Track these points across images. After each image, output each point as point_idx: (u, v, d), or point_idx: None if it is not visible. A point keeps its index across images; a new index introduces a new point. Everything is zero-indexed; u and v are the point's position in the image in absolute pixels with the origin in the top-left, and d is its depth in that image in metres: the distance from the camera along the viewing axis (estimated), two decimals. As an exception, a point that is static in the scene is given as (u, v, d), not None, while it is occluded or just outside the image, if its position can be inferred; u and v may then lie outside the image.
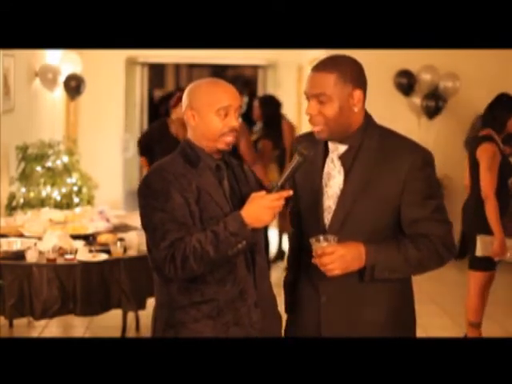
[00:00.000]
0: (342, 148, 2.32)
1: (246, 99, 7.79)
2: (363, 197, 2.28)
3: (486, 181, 4.29)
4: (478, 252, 4.35)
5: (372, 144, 2.30)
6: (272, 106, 6.66)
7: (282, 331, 2.52)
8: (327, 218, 2.33)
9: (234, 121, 2.33)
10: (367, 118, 2.34)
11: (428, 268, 2.33)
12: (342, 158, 2.32)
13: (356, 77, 2.26)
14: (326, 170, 2.35)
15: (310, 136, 2.40)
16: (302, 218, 2.44)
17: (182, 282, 2.32)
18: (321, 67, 2.27)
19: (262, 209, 2.22)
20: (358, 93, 2.26)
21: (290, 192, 2.24)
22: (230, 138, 2.33)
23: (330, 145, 2.34)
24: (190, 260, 2.22)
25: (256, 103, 6.92)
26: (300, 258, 2.49)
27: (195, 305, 2.32)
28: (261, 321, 2.37)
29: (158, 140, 6.65)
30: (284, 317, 2.54)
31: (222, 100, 2.32)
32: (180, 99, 6.65)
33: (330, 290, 2.34)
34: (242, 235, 2.22)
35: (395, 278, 2.32)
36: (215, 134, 2.32)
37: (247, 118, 7.65)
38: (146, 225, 2.32)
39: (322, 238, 2.20)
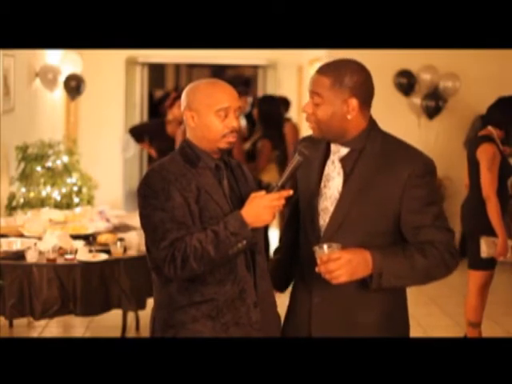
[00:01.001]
0: (344, 150, 2.32)
1: (250, 99, 7.74)
2: (361, 200, 2.26)
3: (487, 181, 4.29)
4: (483, 253, 4.34)
5: (374, 149, 2.29)
6: (269, 105, 6.61)
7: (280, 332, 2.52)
8: (324, 218, 2.32)
9: (234, 121, 2.33)
10: (371, 122, 2.33)
11: (434, 276, 2.28)
12: (343, 160, 2.32)
13: (354, 85, 2.24)
14: (325, 171, 2.34)
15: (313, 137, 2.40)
16: (299, 218, 2.45)
17: (181, 282, 2.31)
18: (321, 70, 2.28)
19: (262, 208, 2.22)
20: (353, 101, 2.24)
21: (290, 192, 2.24)
22: (231, 138, 2.34)
23: (332, 146, 2.34)
24: (191, 260, 2.22)
25: (248, 99, 6.92)
26: (295, 256, 2.49)
27: (195, 305, 2.32)
28: (260, 321, 2.37)
29: (152, 138, 6.71)
30: (282, 317, 2.54)
31: (221, 101, 2.31)
32: (175, 100, 6.73)
33: (322, 292, 2.33)
34: (242, 235, 2.22)
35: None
36: (216, 135, 2.32)
37: (251, 118, 7.64)
38: (146, 224, 2.32)
39: (325, 245, 2.16)
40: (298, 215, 2.47)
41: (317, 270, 2.17)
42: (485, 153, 4.31)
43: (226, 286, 2.32)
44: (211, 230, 2.24)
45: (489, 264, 4.43)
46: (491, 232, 4.30)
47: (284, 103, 7.21)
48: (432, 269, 2.25)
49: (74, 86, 7.08)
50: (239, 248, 2.24)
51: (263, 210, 2.22)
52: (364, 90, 2.27)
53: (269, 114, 6.48)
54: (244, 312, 2.34)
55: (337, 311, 2.33)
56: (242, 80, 13.10)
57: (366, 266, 2.17)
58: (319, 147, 2.37)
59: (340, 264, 2.13)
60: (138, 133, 6.88)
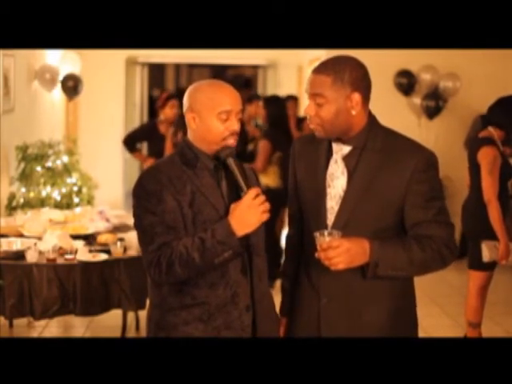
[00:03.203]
0: (346, 149, 2.32)
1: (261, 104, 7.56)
2: (366, 198, 2.28)
3: (488, 185, 4.28)
4: (485, 258, 4.33)
5: (376, 145, 2.30)
6: (276, 106, 6.54)
7: (279, 334, 2.51)
8: (329, 218, 2.33)
9: (235, 124, 2.32)
10: (371, 119, 2.33)
11: (430, 269, 2.32)
12: (346, 158, 2.32)
13: (355, 80, 2.24)
14: (329, 170, 2.35)
15: (312, 136, 2.40)
16: (303, 219, 2.44)
17: (174, 284, 2.31)
18: (319, 69, 2.27)
19: (245, 211, 2.22)
20: (356, 96, 2.25)
21: (258, 189, 2.26)
22: (231, 142, 2.32)
23: (334, 145, 2.34)
24: (176, 265, 2.22)
25: (260, 104, 6.83)
26: (299, 259, 2.49)
27: (186, 307, 2.31)
28: (251, 325, 2.36)
29: (148, 140, 6.69)
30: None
31: (223, 104, 2.30)
32: (167, 100, 6.72)
33: (330, 292, 2.34)
34: (228, 244, 2.21)
35: (397, 280, 2.31)
36: (216, 137, 2.31)
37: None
38: (138, 226, 2.34)
39: (326, 232, 2.20)
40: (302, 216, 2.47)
41: (316, 255, 2.20)
42: (486, 156, 4.30)
43: (217, 290, 2.31)
44: (198, 236, 2.24)
45: (489, 265, 4.43)
46: (492, 234, 4.30)
47: (292, 99, 7.17)
48: (428, 262, 2.29)
49: (72, 85, 7.07)
50: (225, 257, 2.24)
51: (247, 212, 2.22)
52: (364, 84, 2.28)
53: (274, 114, 6.41)
54: (236, 316, 2.33)
55: (346, 310, 2.34)
56: (242, 80, 13.09)
57: (363, 255, 2.21)
58: (320, 146, 2.37)
59: (339, 252, 2.17)
60: (130, 142, 6.77)
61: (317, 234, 2.21)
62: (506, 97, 4.49)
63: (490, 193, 4.27)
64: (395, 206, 2.28)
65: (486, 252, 4.32)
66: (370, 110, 2.34)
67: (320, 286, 2.36)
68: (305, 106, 2.35)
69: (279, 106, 6.49)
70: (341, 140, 2.32)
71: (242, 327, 2.34)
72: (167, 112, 6.47)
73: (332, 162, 2.35)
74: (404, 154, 2.28)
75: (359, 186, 2.29)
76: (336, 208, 2.32)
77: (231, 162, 2.31)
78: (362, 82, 2.26)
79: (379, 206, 2.28)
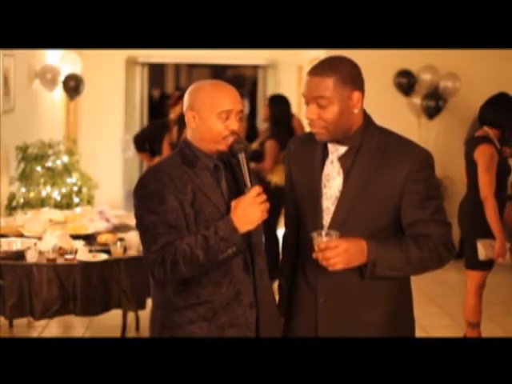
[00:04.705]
0: (342, 149, 2.32)
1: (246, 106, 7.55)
2: (362, 198, 2.28)
3: (485, 182, 4.28)
4: (481, 256, 4.33)
5: (371, 145, 2.30)
6: (282, 105, 6.52)
7: (281, 330, 2.52)
8: (325, 219, 2.33)
9: (235, 124, 2.32)
10: (366, 118, 2.34)
11: (428, 268, 2.32)
12: (342, 159, 2.32)
13: (354, 78, 2.26)
14: (325, 171, 2.35)
15: (307, 136, 2.41)
16: (299, 219, 2.45)
17: (178, 284, 2.32)
18: (318, 71, 2.26)
19: (246, 208, 2.23)
20: (356, 94, 2.26)
21: (261, 188, 2.27)
22: (230, 141, 2.33)
23: (330, 146, 2.34)
24: (180, 263, 2.23)
25: (265, 103, 6.83)
26: (296, 259, 2.49)
27: (190, 307, 2.32)
28: (255, 322, 2.36)
29: (157, 138, 6.71)
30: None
31: (224, 103, 2.31)
32: (179, 98, 6.73)
33: (327, 291, 2.34)
34: (232, 241, 2.22)
35: (394, 279, 2.32)
36: (216, 136, 2.32)
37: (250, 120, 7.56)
38: (140, 226, 2.33)
39: (323, 232, 2.21)
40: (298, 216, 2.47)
41: (314, 256, 2.20)
42: (482, 154, 4.30)
43: (221, 288, 2.32)
44: (201, 234, 2.24)
45: (487, 264, 4.43)
46: (488, 233, 4.29)
47: None
48: (426, 261, 2.29)
49: (73, 86, 7.08)
50: (229, 254, 2.24)
51: (248, 209, 2.23)
52: (361, 82, 2.29)
53: (280, 113, 6.39)
54: (240, 313, 2.34)
55: (343, 310, 2.34)
56: (247, 81, 13.08)
57: (361, 255, 2.21)
58: (316, 147, 2.37)
59: (337, 252, 2.17)
60: (139, 141, 6.80)
61: (314, 235, 2.21)
62: (495, 95, 4.48)
63: (486, 190, 4.27)
64: (391, 206, 2.29)
65: (482, 250, 4.32)
66: (364, 110, 2.35)
67: (317, 286, 2.36)
68: (305, 108, 2.34)
69: (284, 105, 6.48)
70: (337, 140, 2.32)
71: (246, 324, 2.35)
72: (178, 111, 6.49)
73: (328, 162, 2.35)
74: (400, 153, 2.28)
75: (355, 186, 2.29)
76: (332, 208, 2.32)
77: (242, 157, 2.31)
78: (358, 79, 2.28)
79: (375, 205, 2.28)
